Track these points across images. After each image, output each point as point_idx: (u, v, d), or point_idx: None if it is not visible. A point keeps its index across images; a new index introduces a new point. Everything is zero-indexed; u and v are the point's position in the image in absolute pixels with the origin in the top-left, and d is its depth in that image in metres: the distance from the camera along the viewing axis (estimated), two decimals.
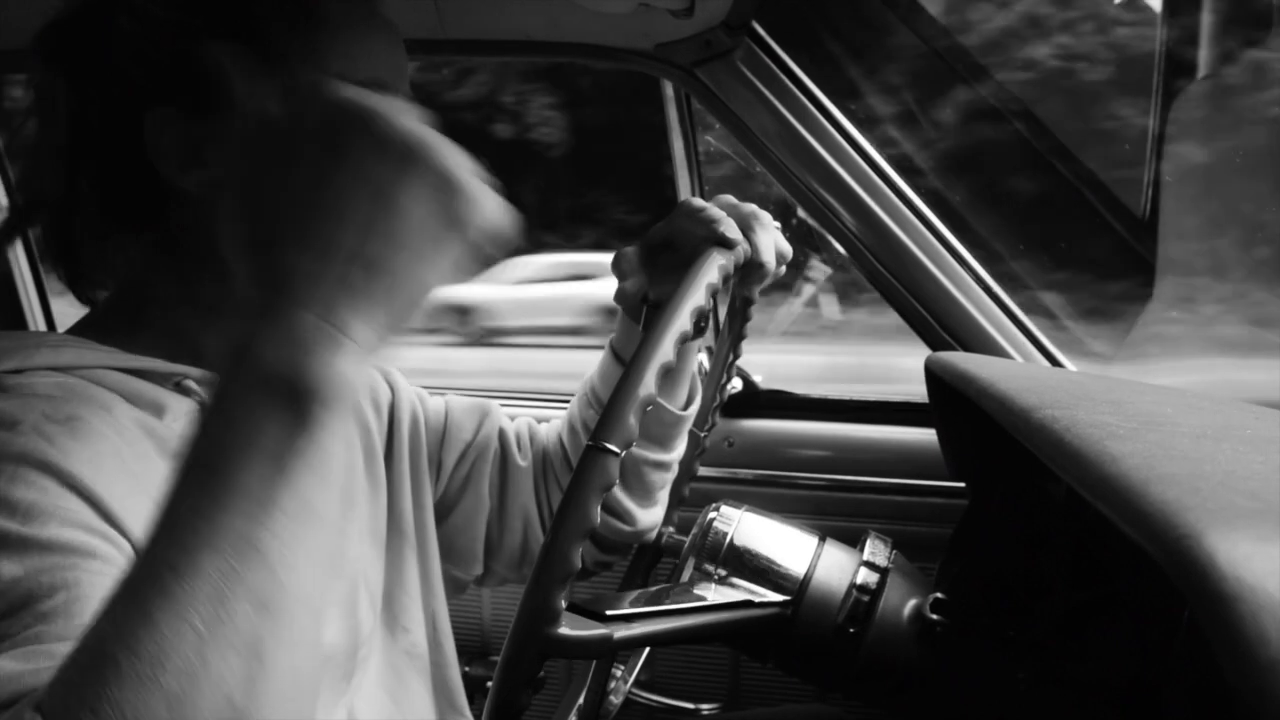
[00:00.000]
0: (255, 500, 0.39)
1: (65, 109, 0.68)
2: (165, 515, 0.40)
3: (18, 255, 1.72)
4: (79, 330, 0.70)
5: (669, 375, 0.63)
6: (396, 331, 0.45)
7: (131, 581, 0.39)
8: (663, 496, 0.96)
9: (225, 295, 0.69)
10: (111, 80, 0.67)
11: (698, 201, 0.78)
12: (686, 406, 0.91)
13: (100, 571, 0.53)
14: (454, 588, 0.95)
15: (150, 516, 0.57)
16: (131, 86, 0.66)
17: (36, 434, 0.56)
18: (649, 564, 0.98)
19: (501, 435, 0.96)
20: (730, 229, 0.74)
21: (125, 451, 0.61)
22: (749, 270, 0.78)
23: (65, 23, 0.68)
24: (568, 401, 0.99)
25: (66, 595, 0.50)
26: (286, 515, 0.40)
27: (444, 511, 0.94)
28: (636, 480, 0.92)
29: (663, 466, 0.92)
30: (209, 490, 0.39)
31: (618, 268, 0.83)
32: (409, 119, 0.44)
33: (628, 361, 0.61)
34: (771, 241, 0.79)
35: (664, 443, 0.91)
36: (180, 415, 0.68)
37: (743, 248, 0.75)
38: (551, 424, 1.00)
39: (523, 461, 0.95)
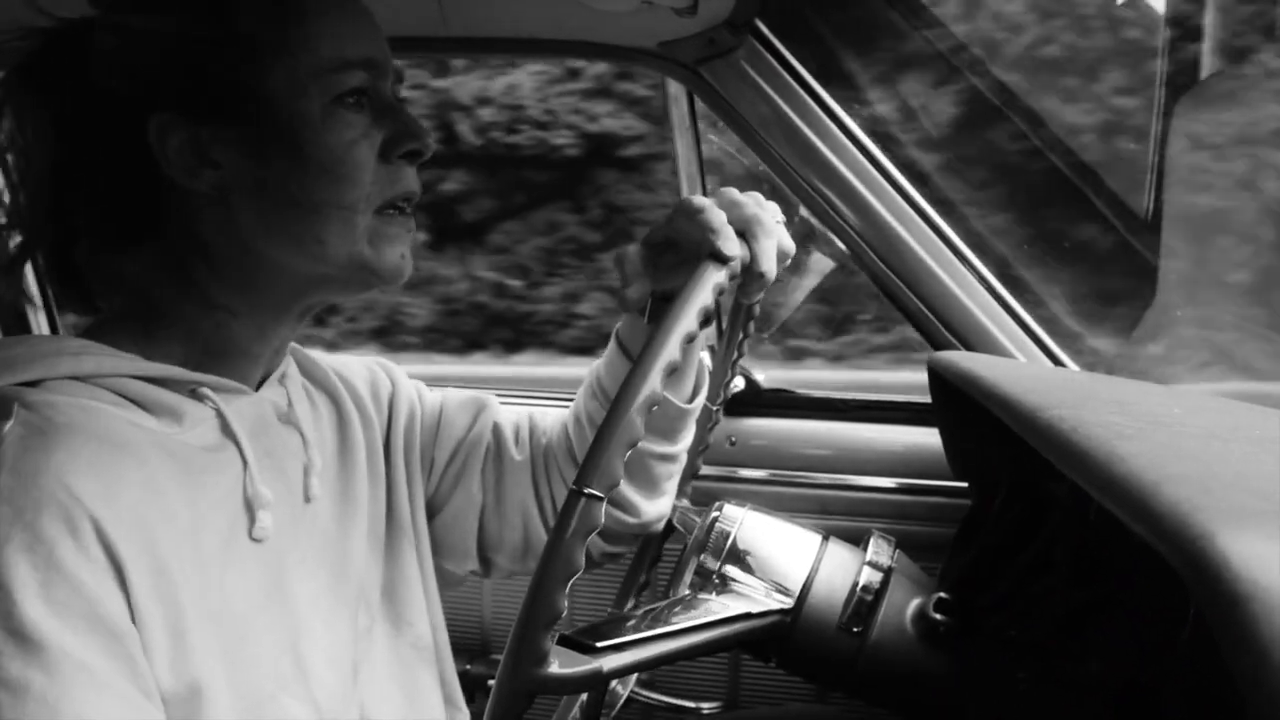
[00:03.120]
0: None
1: (47, 140, 0.68)
2: None
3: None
4: (94, 335, 0.71)
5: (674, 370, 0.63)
6: None
7: None
8: (669, 488, 0.95)
9: (235, 293, 0.71)
10: (100, 100, 0.67)
11: (698, 201, 0.73)
12: (692, 399, 0.90)
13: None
14: (447, 582, 0.95)
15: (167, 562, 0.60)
16: (123, 101, 0.67)
17: (72, 475, 0.58)
18: (660, 540, 0.97)
19: (496, 430, 0.96)
20: (727, 243, 0.69)
21: (147, 485, 0.62)
22: (748, 278, 0.73)
23: (37, 60, 0.69)
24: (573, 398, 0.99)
25: None
26: None
27: (436, 507, 0.94)
28: (642, 473, 0.91)
29: (668, 459, 0.92)
30: None
31: (620, 269, 0.81)
32: None
33: (633, 359, 0.60)
34: (773, 247, 0.74)
35: (670, 435, 0.91)
36: (198, 422, 0.69)
37: (741, 258, 0.71)
38: (555, 415, 0.99)
39: (518, 456, 0.94)
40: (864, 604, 0.77)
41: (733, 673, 1.42)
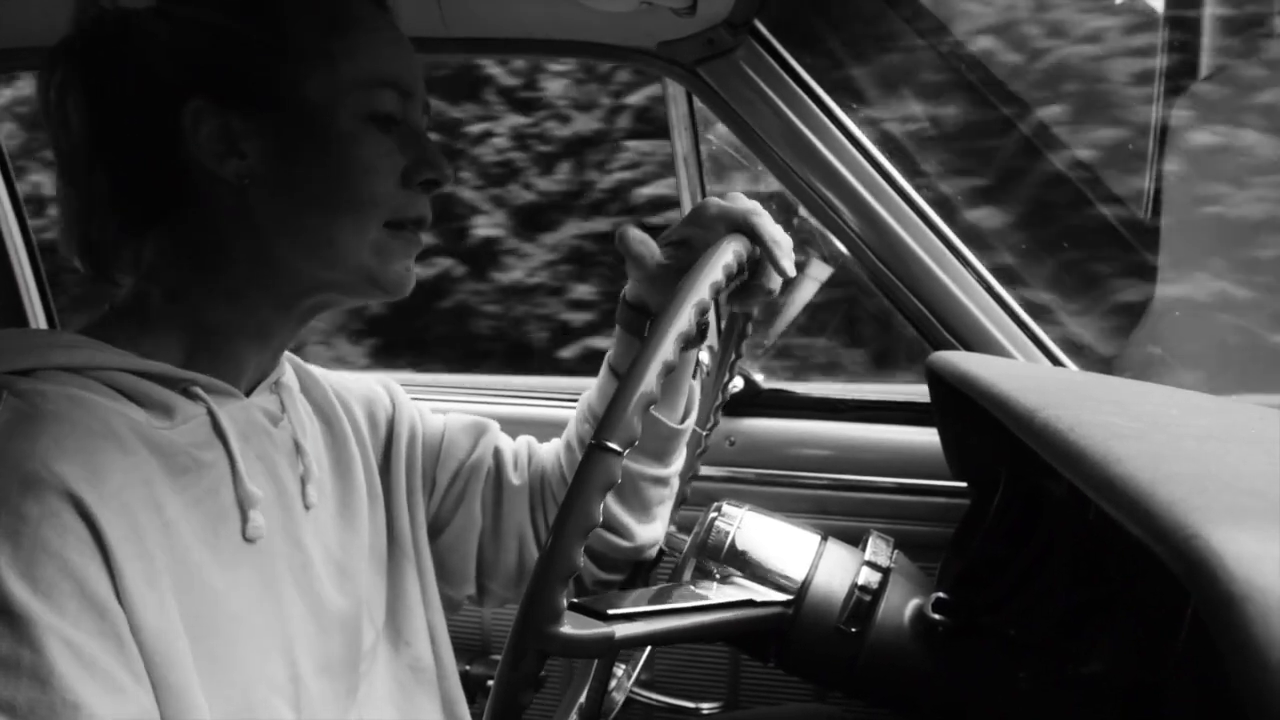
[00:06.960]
0: None
1: (84, 114, 0.70)
2: None
3: (20, 257, 1.72)
4: (89, 333, 0.71)
5: (667, 386, 0.63)
6: None
7: None
8: (661, 512, 0.95)
9: (242, 284, 0.72)
10: (142, 82, 0.69)
11: (718, 199, 0.80)
12: (684, 419, 0.90)
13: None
14: (447, 606, 0.94)
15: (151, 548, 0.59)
16: (164, 84, 0.69)
17: (57, 459, 0.58)
18: (648, 569, 0.97)
19: (497, 454, 0.96)
20: (757, 216, 0.77)
21: (132, 474, 0.62)
22: (755, 285, 0.79)
23: (85, 35, 0.70)
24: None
25: None
26: None
27: (437, 530, 0.94)
28: (634, 495, 0.91)
29: (660, 481, 0.92)
30: None
31: (623, 246, 0.83)
32: None
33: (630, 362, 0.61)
34: (788, 259, 0.80)
35: (662, 457, 0.91)
36: (188, 419, 0.69)
37: (749, 250, 0.75)
38: (551, 443, 0.99)
39: (517, 480, 0.94)
40: (862, 604, 0.77)
41: (732, 673, 1.42)
